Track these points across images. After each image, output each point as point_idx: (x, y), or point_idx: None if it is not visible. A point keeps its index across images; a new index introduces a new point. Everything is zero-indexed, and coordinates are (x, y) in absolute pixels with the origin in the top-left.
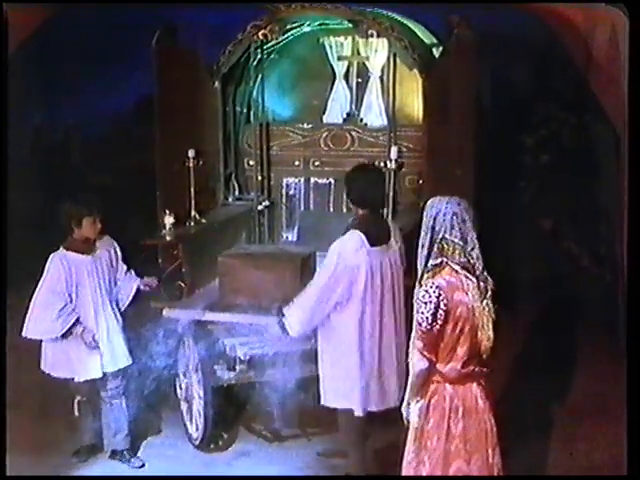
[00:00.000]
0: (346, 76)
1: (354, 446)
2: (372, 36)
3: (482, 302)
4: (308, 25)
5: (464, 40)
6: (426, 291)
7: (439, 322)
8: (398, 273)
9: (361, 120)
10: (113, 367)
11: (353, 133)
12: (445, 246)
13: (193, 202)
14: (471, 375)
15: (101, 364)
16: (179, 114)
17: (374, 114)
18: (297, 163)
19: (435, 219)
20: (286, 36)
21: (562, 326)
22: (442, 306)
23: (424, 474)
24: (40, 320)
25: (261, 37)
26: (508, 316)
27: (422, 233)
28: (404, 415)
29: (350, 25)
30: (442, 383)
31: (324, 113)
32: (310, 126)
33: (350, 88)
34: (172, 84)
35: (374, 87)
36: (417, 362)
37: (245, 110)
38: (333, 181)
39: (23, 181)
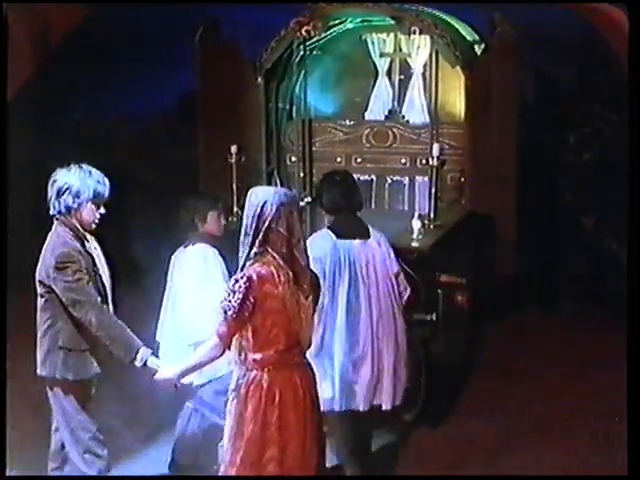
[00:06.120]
0: (388, 73)
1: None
2: (414, 33)
3: (298, 295)
4: (351, 22)
5: (507, 38)
6: (236, 280)
7: (246, 313)
8: (378, 270)
9: (403, 117)
10: None
11: (395, 130)
12: (271, 235)
13: (235, 198)
14: (291, 364)
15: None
16: (222, 110)
17: (416, 111)
18: (339, 160)
19: (262, 208)
20: (329, 32)
21: (602, 325)
22: (250, 298)
23: (238, 461)
24: None
25: (304, 33)
26: (548, 314)
27: (246, 221)
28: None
29: (392, 22)
30: (259, 371)
31: (366, 110)
32: (352, 123)
33: (392, 85)
34: (215, 80)
35: (416, 84)
36: (212, 348)
37: (288, 106)
38: (375, 178)
39: None
